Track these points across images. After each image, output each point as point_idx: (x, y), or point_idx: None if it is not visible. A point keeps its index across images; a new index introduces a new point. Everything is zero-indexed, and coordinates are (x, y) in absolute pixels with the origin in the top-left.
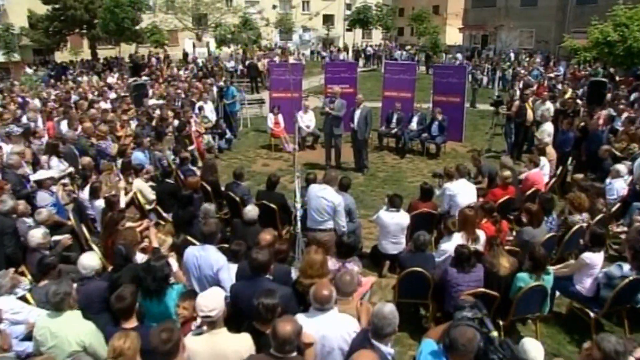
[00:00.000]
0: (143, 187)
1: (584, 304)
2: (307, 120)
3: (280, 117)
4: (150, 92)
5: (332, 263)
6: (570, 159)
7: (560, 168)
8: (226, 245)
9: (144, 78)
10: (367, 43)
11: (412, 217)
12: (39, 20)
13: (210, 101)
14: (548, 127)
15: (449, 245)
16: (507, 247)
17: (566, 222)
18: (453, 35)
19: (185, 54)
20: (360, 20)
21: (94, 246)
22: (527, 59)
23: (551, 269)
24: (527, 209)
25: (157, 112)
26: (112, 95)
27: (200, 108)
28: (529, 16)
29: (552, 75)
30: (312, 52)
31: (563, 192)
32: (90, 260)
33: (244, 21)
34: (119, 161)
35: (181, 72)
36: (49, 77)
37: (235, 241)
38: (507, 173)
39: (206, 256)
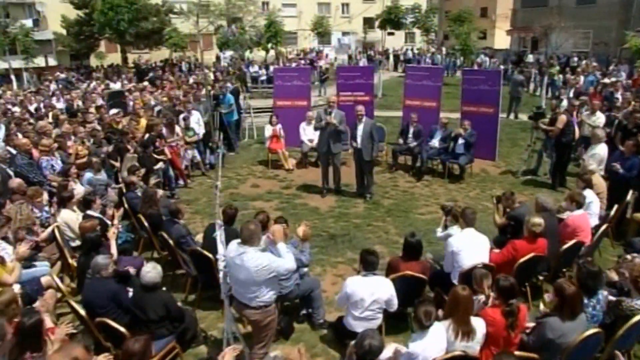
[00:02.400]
0: (70, 220)
1: None
2: (310, 134)
3: (279, 128)
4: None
5: None
6: (631, 191)
7: (615, 206)
8: None
9: (145, 83)
10: (408, 47)
11: (394, 281)
12: (70, 25)
13: (197, 111)
14: (601, 151)
15: (420, 347)
16: (517, 353)
17: (620, 307)
18: (503, 39)
19: (218, 58)
20: (390, 20)
21: None
22: (581, 62)
23: None
24: (558, 288)
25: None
26: (100, 101)
27: (185, 119)
28: (585, 15)
29: (607, 81)
30: (349, 57)
31: (618, 235)
32: None
33: (269, 24)
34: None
35: (190, 79)
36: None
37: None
38: (538, 221)
39: None
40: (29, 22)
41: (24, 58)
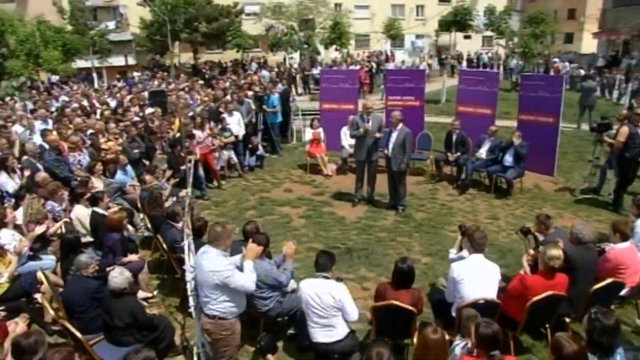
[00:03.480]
0: (82, 216)
1: None
2: (351, 139)
3: (320, 132)
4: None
5: None
6: None
7: None
8: None
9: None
10: (484, 51)
11: (374, 310)
12: (146, 26)
13: (239, 112)
14: None
15: None
16: None
17: None
18: (591, 42)
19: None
20: (456, 22)
21: None
22: None
23: None
24: (555, 346)
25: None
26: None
27: (221, 119)
28: None
29: None
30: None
31: None
32: None
33: (334, 25)
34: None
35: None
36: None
37: None
38: (555, 253)
39: None
40: (112, 24)
41: (98, 57)
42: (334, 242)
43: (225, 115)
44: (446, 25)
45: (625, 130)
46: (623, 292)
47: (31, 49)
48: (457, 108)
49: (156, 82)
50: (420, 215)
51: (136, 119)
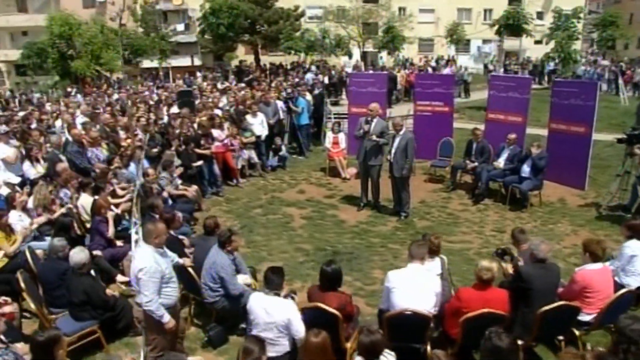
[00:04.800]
0: (87, 204)
1: None
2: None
3: (341, 136)
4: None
5: None
6: None
7: None
8: None
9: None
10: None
11: (302, 312)
12: (210, 28)
13: (263, 113)
14: None
15: None
16: None
17: None
18: None
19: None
20: (510, 25)
21: None
22: None
23: None
24: None
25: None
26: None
27: (242, 120)
28: None
29: None
30: (485, 66)
31: None
32: None
33: (387, 28)
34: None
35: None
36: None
37: None
38: (486, 265)
39: None
40: (180, 27)
41: (158, 59)
42: (324, 244)
43: (248, 116)
44: (498, 29)
45: None
46: (589, 319)
47: (93, 50)
48: (487, 115)
49: (205, 83)
50: (422, 224)
51: (165, 117)
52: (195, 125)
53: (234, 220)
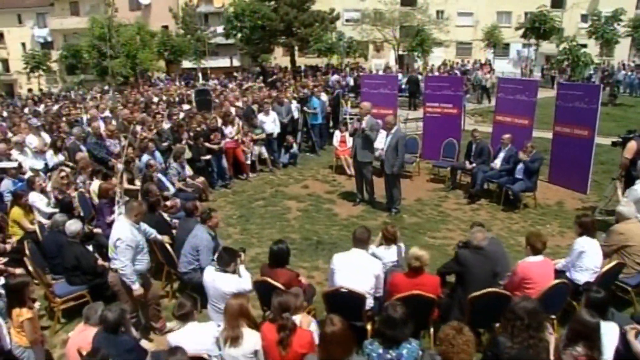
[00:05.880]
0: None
1: None
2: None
3: (347, 135)
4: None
5: None
6: None
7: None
8: None
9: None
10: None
11: (254, 284)
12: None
13: (276, 112)
14: None
15: (174, 338)
16: None
17: None
18: None
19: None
20: (536, 29)
21: None
22: None
23: None
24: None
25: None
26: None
27: (253, 117)
28: None
29: None
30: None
31: None
32: None
33: (417, 32)
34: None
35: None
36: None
37: None
38: (416, 253)
39: None
40: (220, 29)
41: (193, 59)
42: (311, 234)
43: (261, 114)
44: (524, 32)
45: (632, 145)
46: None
47: (130, 50)
48: (495, 117)
49: (232, 85)
50: (411, 220)
51: (182, 114)
52: (209, 122)
53: (235, 210)
